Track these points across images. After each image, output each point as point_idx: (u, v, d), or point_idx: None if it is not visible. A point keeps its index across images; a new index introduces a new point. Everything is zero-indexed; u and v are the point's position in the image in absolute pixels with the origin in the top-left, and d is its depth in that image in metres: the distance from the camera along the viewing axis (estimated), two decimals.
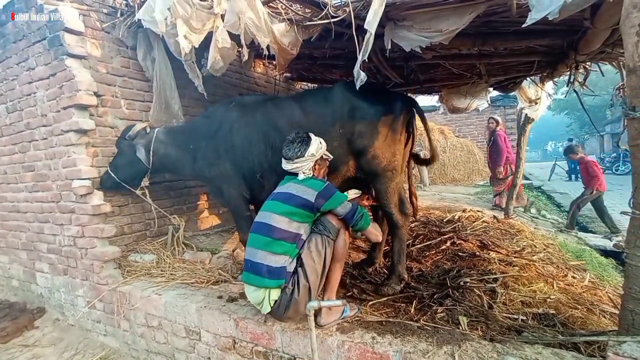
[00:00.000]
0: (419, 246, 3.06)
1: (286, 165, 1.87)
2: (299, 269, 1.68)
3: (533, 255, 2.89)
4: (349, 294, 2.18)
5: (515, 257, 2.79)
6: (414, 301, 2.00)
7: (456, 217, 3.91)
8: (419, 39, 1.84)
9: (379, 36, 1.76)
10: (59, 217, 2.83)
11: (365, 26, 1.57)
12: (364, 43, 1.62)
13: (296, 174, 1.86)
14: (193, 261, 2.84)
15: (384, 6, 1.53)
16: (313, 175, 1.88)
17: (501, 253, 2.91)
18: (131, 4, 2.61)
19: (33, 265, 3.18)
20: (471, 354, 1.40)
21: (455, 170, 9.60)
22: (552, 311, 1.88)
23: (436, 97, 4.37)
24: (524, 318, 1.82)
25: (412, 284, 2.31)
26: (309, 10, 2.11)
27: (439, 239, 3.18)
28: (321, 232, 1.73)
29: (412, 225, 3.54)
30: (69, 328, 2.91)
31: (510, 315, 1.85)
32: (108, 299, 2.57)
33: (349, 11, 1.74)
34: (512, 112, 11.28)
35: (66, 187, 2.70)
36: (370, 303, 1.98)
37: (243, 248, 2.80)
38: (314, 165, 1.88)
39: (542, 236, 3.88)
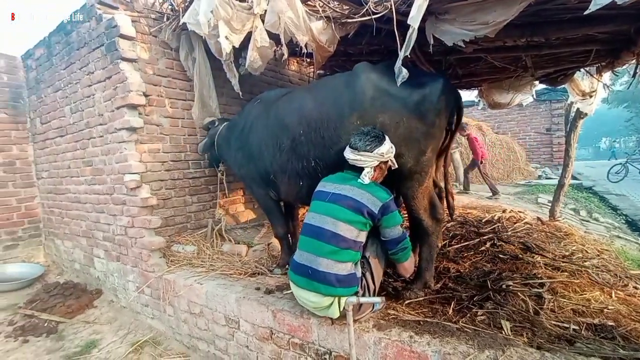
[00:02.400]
0: (456, 246, 2.95)
1: (349, 155, 1.73)
2: (367, 274, 1.71)
3: (584, 261, 2.66)
4: (384, 293, 2.16)
5: (563, 262, 2.59)
6: (452, 302, 1.93)
7: (496, 218, 3.70)
8: (462, 33, 1.75)
9: (419, 31, 1.70)
10: (112, 208, 3.11)
11: (409, 22, 1.53)
12: (406, 39, 1.58)
13: (354, 170, 1.74)
14: (231, 253, 2.98)
15: (427, 1, 1.48)
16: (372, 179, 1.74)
17: (547, 257, 2.71)
18: (176, 8, 2.77)
19: (91, 251, 3.51)
20: None
21: (494, 168, 9.05)
22: (610, 323, 1.72)
23: (475, 92, 4.16)
24: (576, 327, 1.69)
25: (450, 284, 2.23)
26: (347, 7, 2.10)
27: (478, 239, 3.03)
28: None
29: (449, 225, 3.41)
30: (122, 309, 3.19)
31: (559, 324, 1.73)
32: (155, 285, 2.78)
33: (390, 6, 1.71)
34: (559, 107, 10.36)
35: (118, 180, 2.94)
36: (407, 302, 1.95)
37: (277, 242, 2.88)
38: (377, 167, 1.74)
39: (594, 241, 3.56)
